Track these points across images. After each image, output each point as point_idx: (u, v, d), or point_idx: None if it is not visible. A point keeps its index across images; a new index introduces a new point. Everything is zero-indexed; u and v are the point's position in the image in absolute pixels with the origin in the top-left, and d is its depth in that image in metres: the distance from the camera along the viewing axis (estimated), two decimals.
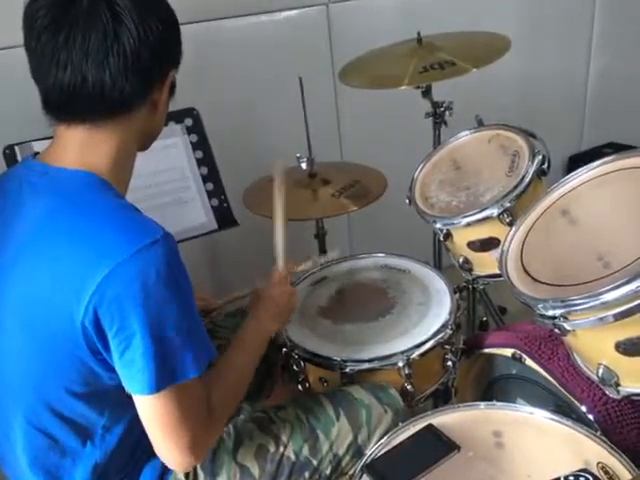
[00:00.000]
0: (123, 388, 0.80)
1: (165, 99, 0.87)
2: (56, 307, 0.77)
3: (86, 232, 0.77)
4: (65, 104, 0.80)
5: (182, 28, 0.88)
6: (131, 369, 0.77)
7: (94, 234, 0.77)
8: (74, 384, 0.82)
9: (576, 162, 2.55)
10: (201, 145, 1.39)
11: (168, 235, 0.78)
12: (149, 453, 0.87)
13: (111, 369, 0.80)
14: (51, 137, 0.86)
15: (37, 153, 0.89)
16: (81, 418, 0.85)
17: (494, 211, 1.27)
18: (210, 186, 1.38)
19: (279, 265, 1.16)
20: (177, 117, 1.37)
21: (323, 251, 1.70)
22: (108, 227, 0.78)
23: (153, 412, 0.80)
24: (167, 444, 0.82)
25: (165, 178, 1.35)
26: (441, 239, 1.38)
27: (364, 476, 0.90)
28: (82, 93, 0.78)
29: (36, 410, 0.85)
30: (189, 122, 1.39)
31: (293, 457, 1.01)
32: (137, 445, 0.91)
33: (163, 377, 0.78)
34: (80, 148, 0.82)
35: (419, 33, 1.59)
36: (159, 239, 0.76)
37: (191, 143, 1.39)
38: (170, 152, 1.37)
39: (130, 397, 0.81)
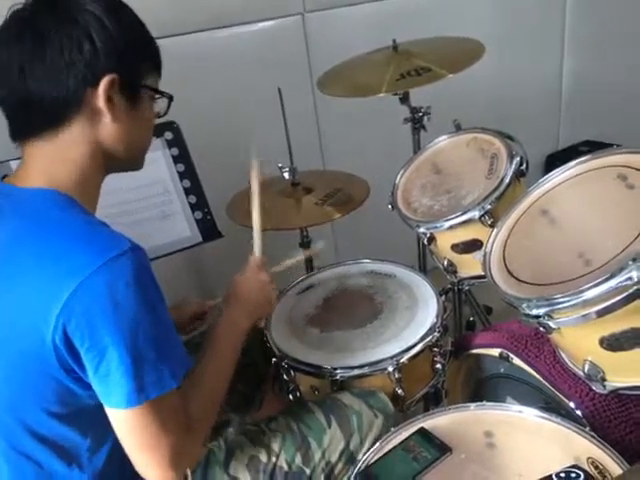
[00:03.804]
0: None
1: (123, 106, 0.83)
2: (26, 328, 0.76)
3: (52, 250, 0.77)
4: (11, 122, 0.82)
5: (160, 42, 0.88)
6: (107, 383, 0.76)
7: (60, 252, 0.76)
8: (52, 405, 0.81)
9: (554, 160, 2.59)
10: (182, 158, 1.39)
11: (137, 248, 0.77)
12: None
13: (88, 387, 0.79)
14: None
15: (5, 175, 0.90)
16: (64, 441, 0.84)
17: (475, 213, 1.28)
18: (193, 199, 1.38)
19: (255, 252, 1.15)
20: (157, 131, 1.36)
21: (307, 244, 1.65)
22: (73, 244, 0.77)
23: (130, 427, 0.79)
24: (146, 459, 0.81)
25: (148, 192, 1.35)
26: (425, 243, 1.39)
27: None
28: (20, 108, 0.80)
29: (17, 434, 0.83)
30: (169, 136, 1.39)
31: (285, 467, 1.01)
32: (125, 465, 0.89)
33: (140, 390, 0.77)
34: (41, 166, 0.82)
35: (395, 40, 1.61)
36: (126, 251, 0.75)
37: (172, 157, 1.39)
38: (151, 166, 1.36)
39: None
